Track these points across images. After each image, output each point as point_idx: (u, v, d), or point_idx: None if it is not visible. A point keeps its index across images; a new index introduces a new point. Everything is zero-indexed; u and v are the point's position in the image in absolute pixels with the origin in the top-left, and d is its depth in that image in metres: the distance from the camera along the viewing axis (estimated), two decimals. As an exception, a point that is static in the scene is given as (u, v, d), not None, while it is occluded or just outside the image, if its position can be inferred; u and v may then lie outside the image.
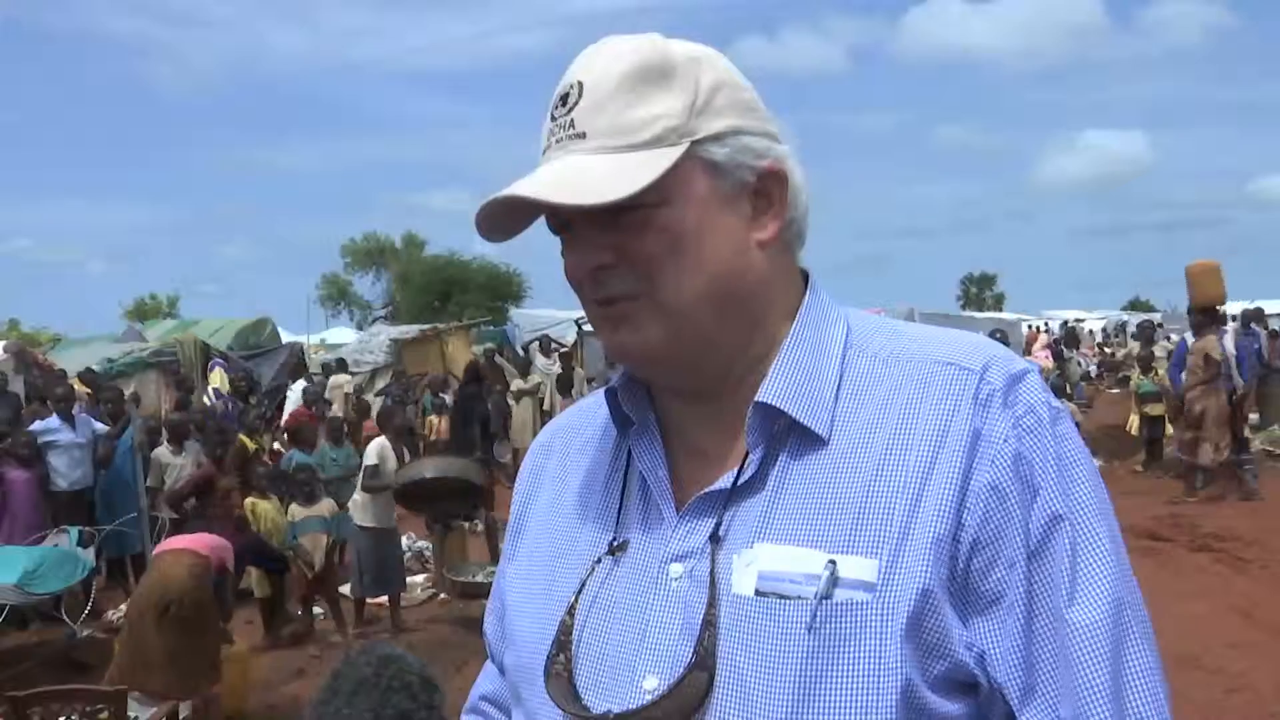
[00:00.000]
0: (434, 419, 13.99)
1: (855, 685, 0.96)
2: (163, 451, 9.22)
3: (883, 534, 0.98)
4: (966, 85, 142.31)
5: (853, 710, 0.96)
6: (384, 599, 8.54)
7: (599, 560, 1.10)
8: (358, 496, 8.50)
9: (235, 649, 6.62)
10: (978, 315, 33.36)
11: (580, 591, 1.10)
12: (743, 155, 1.05)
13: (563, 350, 19.23)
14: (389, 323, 35.99)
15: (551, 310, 27.35)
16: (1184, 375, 11.65)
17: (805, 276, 1.14)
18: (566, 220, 1.05)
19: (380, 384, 17.15)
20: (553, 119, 1.05)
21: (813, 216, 1.13)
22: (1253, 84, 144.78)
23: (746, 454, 1.05)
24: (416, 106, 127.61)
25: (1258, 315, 16.18)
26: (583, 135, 1.03)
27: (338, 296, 56.93)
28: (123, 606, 7.06)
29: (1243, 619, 7.19)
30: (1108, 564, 0.99)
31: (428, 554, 9.88)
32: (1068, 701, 0.97)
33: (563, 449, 1.25)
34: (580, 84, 1.04)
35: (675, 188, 1.01)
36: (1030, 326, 29.52)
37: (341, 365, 17.25)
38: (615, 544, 1.10)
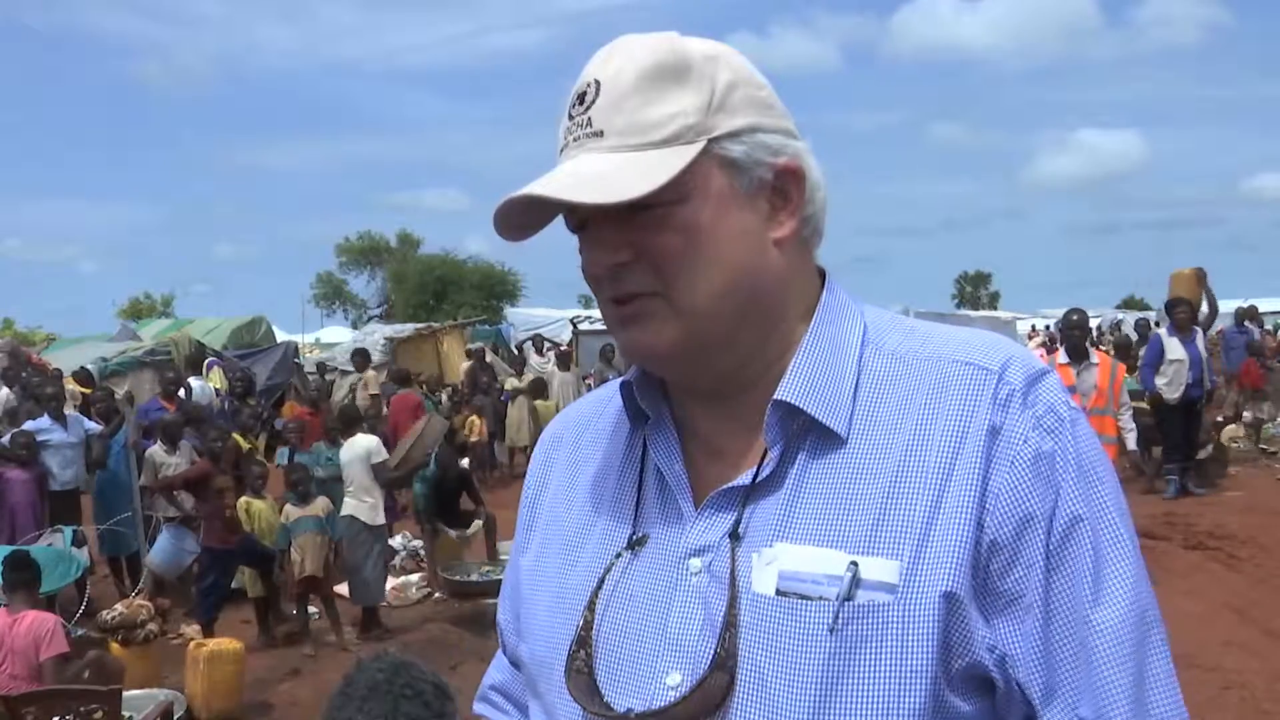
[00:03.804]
0: (475, 420, 13.94)
1: (878, 687, 0.96)
2: (157, 450, 9.20)
3: (904, 535, 0.98)
4: (960, 83, 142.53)
5: (875, 712, 0.96)
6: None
7: (618, 554, 1.10)
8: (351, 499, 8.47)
9: (229, 647, 6.62)
10: (973, 314, 33.47)
11: (599, 586, 1.10)
12: (760, 152, 1.04)
13: (560, 350, 19.23)
14: (384, 322, 36.01)
15: (546, 309, 27.39)
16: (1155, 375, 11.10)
17: (822, 274, 1.14)
18: (584, 218, 1.05)
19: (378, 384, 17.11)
20: (570, 117, 1.05)
21: (826, 215, 1.12)
22: (1247, 82, 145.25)
23: (765, 452, 1.05)
24: (411, 105, 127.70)
25: (1252, 313, 16.23)
26: (600, 133, 1.02)
27: (332, 295, 56.93)
28: (119, 607, 7.05)
29: (1237, 617, 7.20)
30: (1130, 565, 1.00)
31: (422, 553, 9.87)
32: (1088, 701, 0.97)
33: (574, 440, 1.25)
34: (597, 82, 1.03)
35: (692, 185, 1.01)
36: (1033, 328, 29.58)
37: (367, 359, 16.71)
38: (635, 538, 1.10)
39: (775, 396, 1.04)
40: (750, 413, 1.07)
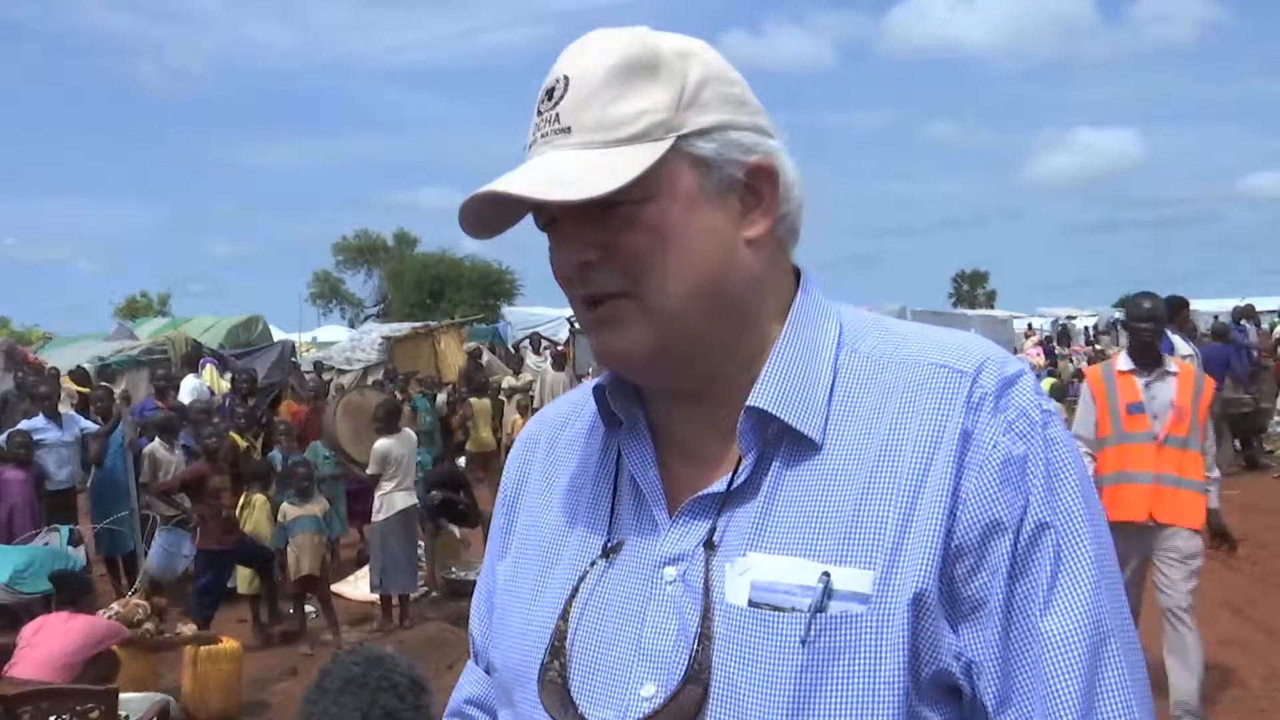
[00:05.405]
0: (519, 419, 13.89)
1: (850, 699, 0.94)
2: (157, 447, 9.20)
3: (877, 544, 0.96)
4: (956, 82, 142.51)
5: None
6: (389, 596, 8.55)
7: (593, 563, 1.08)
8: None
9: (226, 647, 6.61)
10: (970, 313, 33.50)
11: (574, 595, 1.08)
12: (731, 150, 1.02)
13: (556, 349, 19.23)
14: (381, 320, 36.04)
15: (544, 308, 27.39)
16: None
17: (798, 273, 1.12)
18: (553, 216, 1.03)
19: (371, 381, 17.12)
20: (538, 114, 1.03)
21: (803, 214, 1.10)
22: (1244, 80, 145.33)
23: (740, 458, 1.03)
24: (409, 104, 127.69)
25: (1249, 312, 16.23)
26: (568, 130, 1.01)
27: (329, 294, 57.07)
28: (115, 606, 7.04)
29: (1234, 615, 7.22)
30: (1088, 574, 0.97)
31: (420, 552, 9.88)
32: (1040, 711, 0.96)
33: (549, 443, 1.22)
34: (566, 78, 1.02)
35: (661, 184, 0.99)
36: (1029, 326, 29.64)
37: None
38: (610, 546, 1.08)
39: (748, 403, 1.03)
40: (725, 417, 1.05)
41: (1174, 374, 5.29)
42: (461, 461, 10.50)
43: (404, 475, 8.57)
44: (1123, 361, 5.42)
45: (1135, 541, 5.00)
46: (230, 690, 6.55)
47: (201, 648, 6.48)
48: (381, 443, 8.54)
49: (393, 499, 8.46)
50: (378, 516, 8.53)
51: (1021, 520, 0.97)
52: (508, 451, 1.32)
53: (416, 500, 8.68)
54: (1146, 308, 5.45)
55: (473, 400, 14.31)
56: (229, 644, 6.68)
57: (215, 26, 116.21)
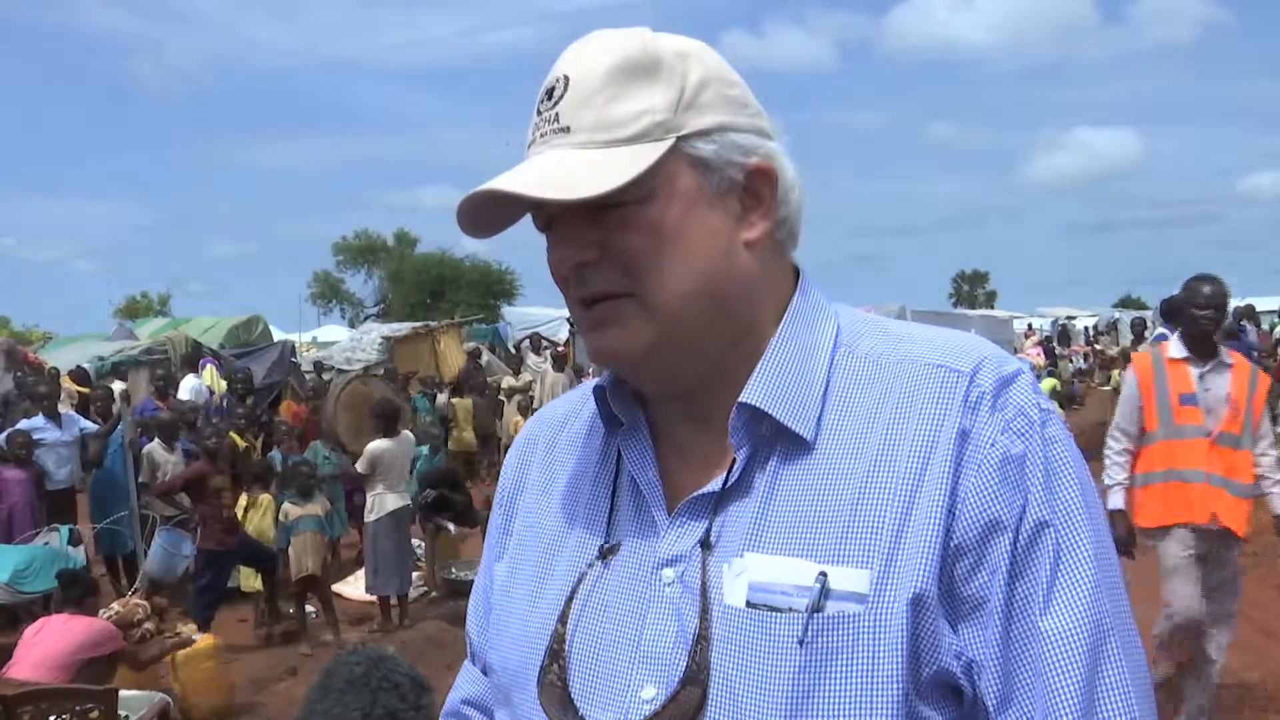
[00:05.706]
0: (518, 419, 13.87)
1: (848, 699, 0.94)
2: (155, 448, 9.21)
3: (874, 544, 0.96)
4: (956, 82, 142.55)
5: None
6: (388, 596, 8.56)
7: (591, 564, 1.08)
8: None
9: (203, 645, 6.55)
10: (970, 313, 33.46)
11: (572, 597, 1.08)
12: (730, 152, 1.02)
13: (557, 349, 19.24)
14: (381, 320, 36.07)
15: (544, 308, 27.38)
16: None
17: (798, 274, 1.12)
18: (551, 216, 1.03)
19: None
20: (538, 113, 1.04)
21: (802, 217, 1.10)
22: (1243, 80, 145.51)
23: (735, 457, 1.03)
24: (409, 103, 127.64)
25: (1249, 312, 16.22)
26: (567, 130, 1.01)
27: (329, 294, 57.01)
28: (115, 606, 7.04)
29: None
30: (1087, 573, 0.97)
31: (420, 552, 9.89)
32: (1040, 711, 0.95)
33: (548, 443, 1.22)
34: (566, 78, 1.02)
35: (660, 184, 0.99)
36: (1030, 326, 29.69)
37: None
38: (607, 547, 1.08)
39: (739, 399, 1.03)
40: (722, 417, 1.05)
41: (1230, 366, 4.81)
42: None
43: (397, 478, 8.57)
44: (1175, 349, 4.86)
45: (1192, 543, 4.75)
46: (220, 687, 6.52)
47: (178, 653, 6.43)
48: (376, 444, 8.54)
49: (384, 500, 8.47)
50: (369, 517, 8.53)
51: (1021, 519, 0.97)
52: (508, 451, 1.32)
53: (409, 501, 8.68)
54: (1208, 293, 4.78)
55: (455, 400, 14.31)
56: (205, 641, 6.61)
57: (214, 26, 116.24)
